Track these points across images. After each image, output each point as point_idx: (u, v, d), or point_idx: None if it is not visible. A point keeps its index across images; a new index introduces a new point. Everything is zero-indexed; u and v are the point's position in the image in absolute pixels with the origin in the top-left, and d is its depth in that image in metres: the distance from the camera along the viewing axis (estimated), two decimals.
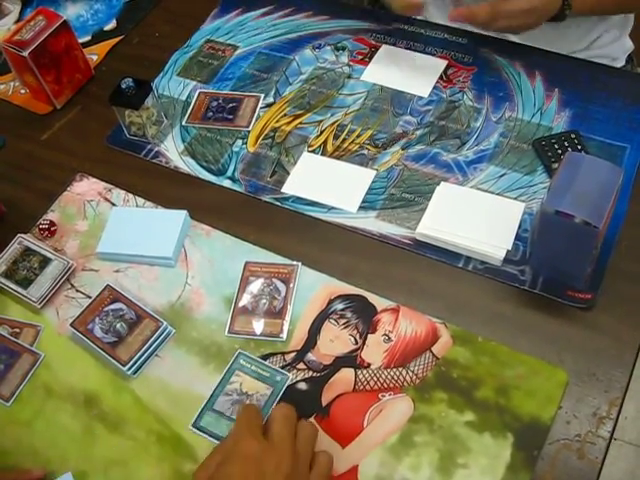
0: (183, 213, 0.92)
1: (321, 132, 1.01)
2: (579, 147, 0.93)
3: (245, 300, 0.86)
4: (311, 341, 0.82)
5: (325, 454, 0.71)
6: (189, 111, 1.07)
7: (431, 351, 0.80)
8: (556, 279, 0.83)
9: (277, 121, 1.04)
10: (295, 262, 0.88)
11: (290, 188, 0.96)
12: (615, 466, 1.61)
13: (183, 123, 1.05)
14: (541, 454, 0.72)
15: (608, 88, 1.01)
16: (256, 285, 0.87)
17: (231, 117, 1.05)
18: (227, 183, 0.98)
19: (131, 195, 0.98)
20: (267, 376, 0.80)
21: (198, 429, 0.77)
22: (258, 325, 0.84)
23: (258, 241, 0.91)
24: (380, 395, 0.78)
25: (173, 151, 1.02)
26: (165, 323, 0.84)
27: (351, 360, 0.80)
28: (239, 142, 1.02)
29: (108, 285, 0.88)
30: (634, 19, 1.22)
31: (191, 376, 0.81)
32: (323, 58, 1.11)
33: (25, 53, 1.02)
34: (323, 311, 0.84)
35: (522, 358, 0.78)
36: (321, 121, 1.03)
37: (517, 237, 0.86)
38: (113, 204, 0.97)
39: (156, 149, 1.03)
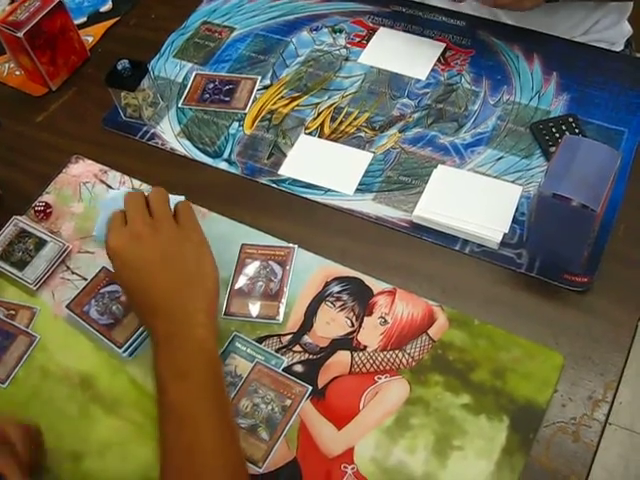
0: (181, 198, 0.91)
1: (318, 114, 1.01)
2: (577, 131, 0.93)
3: (241, 282, 0.86)
4: (307, 323, 0.82)
5: (182, 202, 0.82)
6: (185, 93, 1.06)
7: (427, 334, 0.80)
8: (553, 262, 0.83)
9: (274, 103, 1.03)
10: (291, 244, 0.88)
11: (287, 170, 0.95)
12: (609, 451, 1.62)
13: (179, 105, 1.05)
14: (537, 437, 0.73)
15: (606, 72, 1.01)
16: (252, 267, 0.87)
17: (228, 99, 1.04)
18: (223, 165, 0.97)
19: (127, 177, 0.97)
20: (262, 359, 0.80)
21: None
22: (254, 307, 0.84)
23: (254, 223, 0.90)
24: (376, 377, 0.78)
25: (169, 133, 1.02)
26: None
27: (347, 342, 0.80)
28: (236, 124, 1.01)
29: (104, 267, 0.88)
30: (633, 4, 1.21)
31: None
32: (320, 40, 1.10)
33: (20, 34, 1.01)
34: (319, 293, 0.84)
35: (518, 341, 0.78)
36: (318, 103, 1.02)
37: (514, 220, 0.86)
38: (109, 186, 0.97)
39: (152, 131, 1.02)
